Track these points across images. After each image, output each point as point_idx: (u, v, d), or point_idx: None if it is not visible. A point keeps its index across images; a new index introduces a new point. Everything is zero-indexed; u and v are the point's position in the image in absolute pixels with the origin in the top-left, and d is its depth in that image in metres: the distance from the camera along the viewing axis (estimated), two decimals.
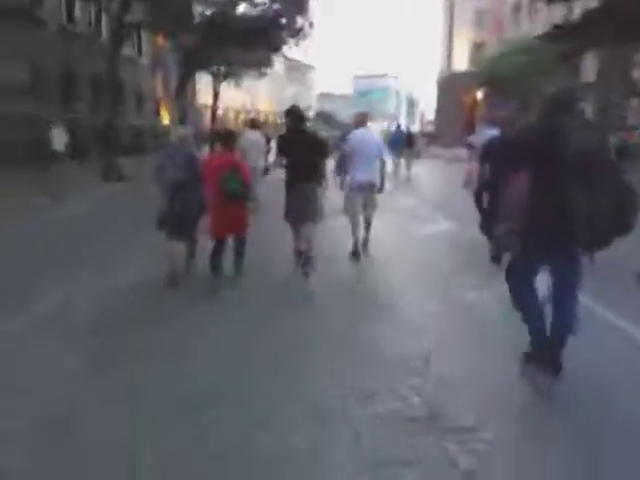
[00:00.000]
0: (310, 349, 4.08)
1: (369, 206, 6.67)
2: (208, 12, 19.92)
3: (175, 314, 4.79)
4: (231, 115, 53.57)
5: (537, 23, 30.06)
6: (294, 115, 5.54)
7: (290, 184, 5.55)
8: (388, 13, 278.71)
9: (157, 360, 3.89)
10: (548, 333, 3.39)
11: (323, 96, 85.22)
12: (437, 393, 3.41)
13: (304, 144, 5.45)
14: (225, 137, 5.55)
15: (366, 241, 6.81)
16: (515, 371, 3.62)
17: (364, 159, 6.31)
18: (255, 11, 20.46)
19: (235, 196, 5.23)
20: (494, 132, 6.49)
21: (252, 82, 49.33)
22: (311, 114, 50.84)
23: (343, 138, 8.73)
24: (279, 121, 51.73)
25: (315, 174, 5.50)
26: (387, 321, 4.67)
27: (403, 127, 20.87)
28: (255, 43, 20.09)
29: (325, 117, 45.57)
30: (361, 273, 6.26)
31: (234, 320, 4.67)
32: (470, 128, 26.85)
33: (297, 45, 22.80)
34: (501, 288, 3.88)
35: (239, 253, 5.70)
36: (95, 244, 7.63)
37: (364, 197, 6.57)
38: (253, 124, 10.38)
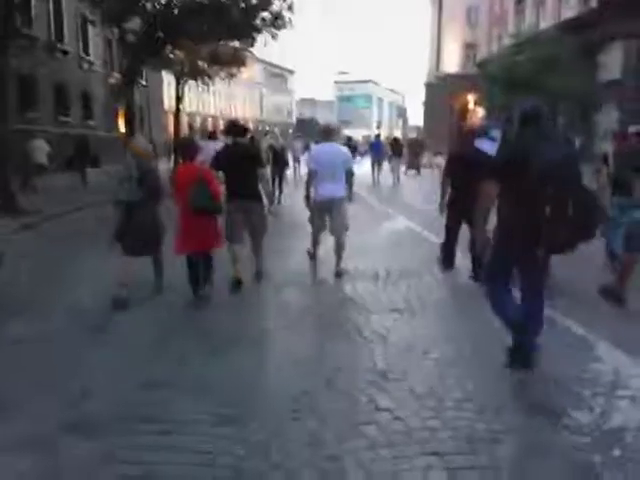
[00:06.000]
0: None
1: (336, 224, 6.26)
2: None
3: None
4: (209, 122, 49.60)
5: (545, 17, 26.75)
6: (229, 129, 6.01)
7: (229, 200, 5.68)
8: (372, 13, 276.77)
9: None
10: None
11: (304, 102, 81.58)
12: None
13: (239, 157, 5.61)
14: (184, 147, 5.61)
15: (338, 262, 6.30)
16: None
17: (327, 174, 6.12)
18: None
19: (205, 211, 5.02)
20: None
21: (228, 87, 45.69)
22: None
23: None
24: (260, 129, 48.08)
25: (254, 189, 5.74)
26: None
27: (382, 137, 22.86)
28: (218, 27, 15.92)
29: (305, 126, 44.64)
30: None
31: None
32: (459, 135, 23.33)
33: (274, 37, 18.65)
34: None
35: (206, 274, 5.32)
36: None
37: (329, 213, 6.31)
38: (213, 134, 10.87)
